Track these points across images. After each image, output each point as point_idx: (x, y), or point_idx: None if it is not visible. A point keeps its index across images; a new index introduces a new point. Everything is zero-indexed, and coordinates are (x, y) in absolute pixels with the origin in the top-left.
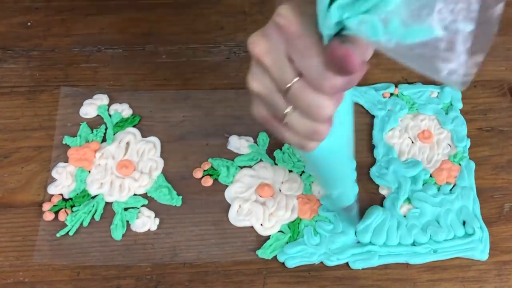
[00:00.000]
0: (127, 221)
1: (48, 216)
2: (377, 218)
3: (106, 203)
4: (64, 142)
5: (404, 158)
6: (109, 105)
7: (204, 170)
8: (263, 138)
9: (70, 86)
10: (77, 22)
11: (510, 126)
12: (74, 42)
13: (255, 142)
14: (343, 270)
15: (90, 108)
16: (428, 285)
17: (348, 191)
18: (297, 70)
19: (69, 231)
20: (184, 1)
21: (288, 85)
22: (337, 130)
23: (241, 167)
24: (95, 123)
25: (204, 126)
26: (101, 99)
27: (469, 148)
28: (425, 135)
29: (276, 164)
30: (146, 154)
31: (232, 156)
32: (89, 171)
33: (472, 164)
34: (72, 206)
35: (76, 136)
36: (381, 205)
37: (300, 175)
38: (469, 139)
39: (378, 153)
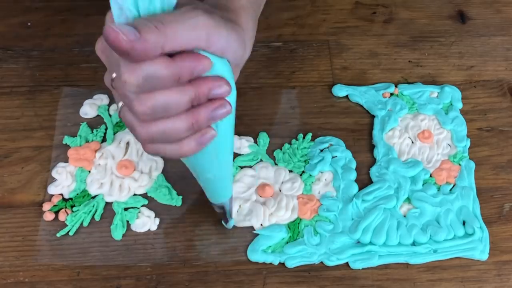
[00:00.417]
0: (127, 221)
1: (48, 216)
2: (377, 218)
3: (106, 203)
4: (64, 142)
5: (404, 158)
6: (109, 105)
7: None
8: (263, 138)
9: (70, 86)
10: (77, 22)
11: (510, 126)
12: (74, 42)
13: (255, 142)
14: (343, 270)
15: (90, 108)
16: (428, 285)
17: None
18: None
19: (69, 231)
20: None
21: (112, 76)
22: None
23: (241, 167)
24: (95, 123)
25: None
26: (101, 99)
27: (469, 148)
28: (425, 135)
29: (276, 164)
30: (146, 154)
31: None
32: (89, 171)
33: (472, 164)
34: (72, 206)
35: (76, 136)
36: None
37: (300, 175)
38: (469, 139)
39: (378, 153)
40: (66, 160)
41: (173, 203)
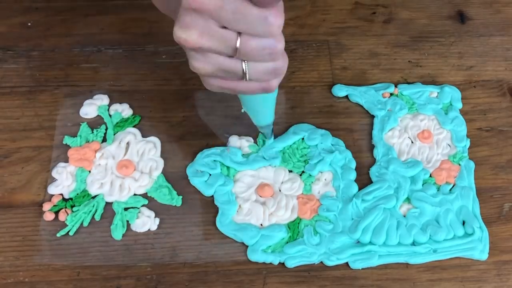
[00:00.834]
0: (127, 221)
1: (48, 216)
2: (377, 218)
3: (106, 203)
4: (64, 142)
5: (403, 158)
6: (109, 105)
7: None
8: (263, 138)
9: (70, 86)
10: (77, 22)
11: (510, 126)
12: (74, 42)
13: (255, 142)
14: (343, 270)
15: (90, 108)
16: (427, 285)
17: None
18: (235, 31)
19: (69, 231)
20: None
21: (236, 46)
22: None
23: None
24: (95, 123)
25: (204, 126)
26: (101, 99)
27: (468, 148)
28: (424, 135)
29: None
30: (146, 154)
31: None
32: (89, 171)
33: (472, 164)
34: (72, 206)
35: (76, 136)
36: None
37: (300, 175)
38: (468, 139)
39: (378, 153)
40: (66, 160)
41: (173, 203)
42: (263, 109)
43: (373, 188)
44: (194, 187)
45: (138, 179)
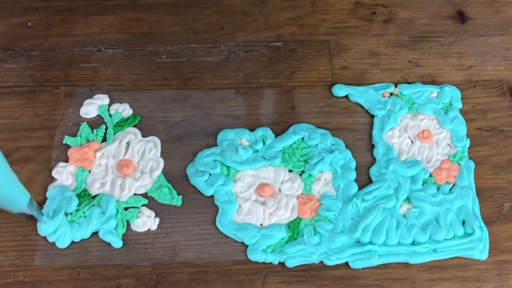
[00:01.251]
0: (127, 221)
1: None
2: (377, 218)
3: None
4: (64, 142)
5: (403, 157)
6: (109, 105)
7: None
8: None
9: (70, 86)
10: (77, 22)
11: (510, 126)
12: (74, 42)
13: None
14: (343, 270)
15: (90, 108)
16: (427, 285)
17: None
18: None
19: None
20: (184, 1)
21: None
22: None
23: None
24: (96, 123)
25: (204, 126)
26: (102, 99)
27: (468, 148)
28: (424, 135)
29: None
30: (146, 153)
31: None
32: (89, 171)
33: (472, 164)
34: None
35: (76, 136)
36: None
37: (300, 175)
38: (468, 139)
39: (378, 152)
40: (66, 160)
41: (173, 203)
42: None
43: (373, 188)
44: (194, 187)
45: (138, 179)
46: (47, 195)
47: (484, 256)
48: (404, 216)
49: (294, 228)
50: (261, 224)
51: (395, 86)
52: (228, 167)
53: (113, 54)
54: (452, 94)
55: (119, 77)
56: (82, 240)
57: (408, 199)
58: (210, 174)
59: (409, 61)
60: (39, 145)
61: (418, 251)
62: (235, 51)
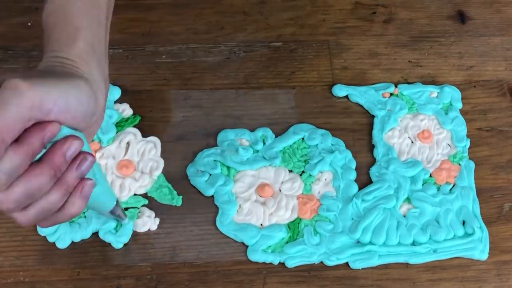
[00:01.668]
0: None
1: None
2: (377, 218)
3: None
4: None
5: (403, 158)
6: None
7: None
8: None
9: None
10: None
11: (510, 126)
12: None
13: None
14: (343, 270)
15: None
16: (427, 285)
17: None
18: None
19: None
20: (184, 1)
21: None
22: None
23: None
24: None
25: (204, 126)
26: None
27: (468, 148)
28: (424, 135)
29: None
30: (146, 154)
31: None
32: None
33: (472, 164)
34: None
35: None
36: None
37: (300, 175)
38: (468, 139)
39: (378, 153)
40: None
41: (173, 203)
42: (100, 201)
43: (373, 188)
44: (194, 187)
45: (138, 179)
46: None
47: (484, 256)
48: (404, 216)
49: (294, 228)
50: (261, 225)
51: (395, 86)
52: (228, 167)
53: (113, 54)
54: (452, 94)
55: (119, 77)
56: (82, 240)
57: (408, 200)
58: (210, 174)
59: (409, 61)
60: None
61: (418, 252)
62: (235, 51)
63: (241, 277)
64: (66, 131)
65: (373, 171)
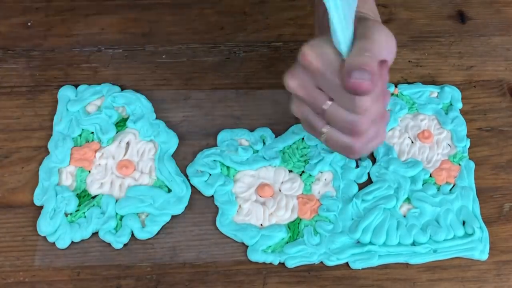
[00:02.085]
0: None
1: None
2: (377, 218)
3: None
4: None
5: (404, 158)
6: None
7: None
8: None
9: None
10: (77, 22)
11: (510, 126)
12: (74, 42)
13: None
14: (343, 270)
15: (90, 108)
16: (428, 285)
17: None
18: (329, 96)
19: None
20: (184, 1)
21: (324, 107)
22: None
23: None
24: None
25: (204, 126)
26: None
27: (468, 148)
28: (425, 135)
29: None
30: (146, 154)
31: None
32: (89, 171)
33: (472, 164)
34: None
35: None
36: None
37: (300, 175)
38: (468, 139)
39: (378, 153)
40: None
41: None
42: None
43: (373, 188)
44: (194, 187)
45: (138, 179)
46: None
47: (484, 256)
48: (404, 216)
49: (294, 228)
50: (261, 225)
51: (395, 86)
52: (228, 168)
53: (113, 54)
54: (452, 94)
55: (119, 77)
56: (82, 240)
57: (408, 200)
58: (210, 174)
59: (409, 61)
60: (39, 145)
61: (418, 252)
62: (235, 51)
63: (241, 277)
64: None
65: (373, 171)
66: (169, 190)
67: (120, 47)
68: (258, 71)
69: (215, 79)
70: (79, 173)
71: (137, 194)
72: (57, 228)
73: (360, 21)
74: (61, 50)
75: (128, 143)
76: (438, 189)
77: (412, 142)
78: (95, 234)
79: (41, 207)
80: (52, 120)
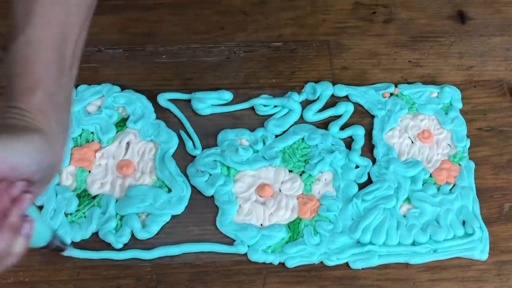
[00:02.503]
0: None
1: None
2: (377, 218)
3: None
4: None
5: (404, 158)
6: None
7: None
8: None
9: None
10: None
11: (510, 126)
12: None
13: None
14: (343, 270)
15: (90, 108)
16: (428, 285)
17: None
18: None
19: None
20: (184, 1)
21: None
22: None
23: None
24: None
25: (204, 126)
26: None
27: (468, 148)
28: (425, 135)
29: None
30: (146, 154)
31: None
32: (89, 171)
33: (472, 164)
34: None
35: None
36: None
37: (300, 175)
38: (468, 139)
39: (378, 153)
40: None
41: None
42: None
43: (373, 188)
44: (194, 187)
45: (138, 179)
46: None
47: (484, 256)
48: (404, 216)
49: (294, 228)
50: (261, 225)
51: (395, 86)
52: (228, 167)
53: (113, 54)
54: (452, 94)
55: (119, 77)
56: (82, 240)
57: (408, 200)
58: (210, 174)
59: (409, 61)
60: None
61: (418, 252)
62: (235, 51)
63: (241, 277)
64: None
65: (373, 171)
66: (169, 190)
67: (120, 47)
68: (258, 71)
69: (215, 79)
70: (79, 173)
71: (137, 194)
72: (57, 228)
73: None
74: None
75: (128, 143)
76: (438, 189)
77: (412, 142)
78: (95, 234)
79: (41, 207)
80: None
